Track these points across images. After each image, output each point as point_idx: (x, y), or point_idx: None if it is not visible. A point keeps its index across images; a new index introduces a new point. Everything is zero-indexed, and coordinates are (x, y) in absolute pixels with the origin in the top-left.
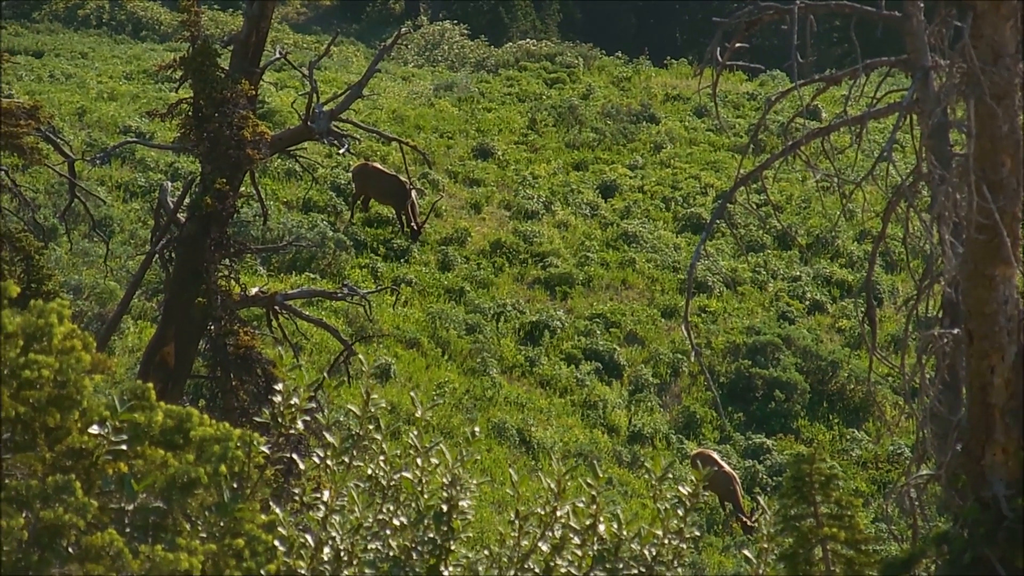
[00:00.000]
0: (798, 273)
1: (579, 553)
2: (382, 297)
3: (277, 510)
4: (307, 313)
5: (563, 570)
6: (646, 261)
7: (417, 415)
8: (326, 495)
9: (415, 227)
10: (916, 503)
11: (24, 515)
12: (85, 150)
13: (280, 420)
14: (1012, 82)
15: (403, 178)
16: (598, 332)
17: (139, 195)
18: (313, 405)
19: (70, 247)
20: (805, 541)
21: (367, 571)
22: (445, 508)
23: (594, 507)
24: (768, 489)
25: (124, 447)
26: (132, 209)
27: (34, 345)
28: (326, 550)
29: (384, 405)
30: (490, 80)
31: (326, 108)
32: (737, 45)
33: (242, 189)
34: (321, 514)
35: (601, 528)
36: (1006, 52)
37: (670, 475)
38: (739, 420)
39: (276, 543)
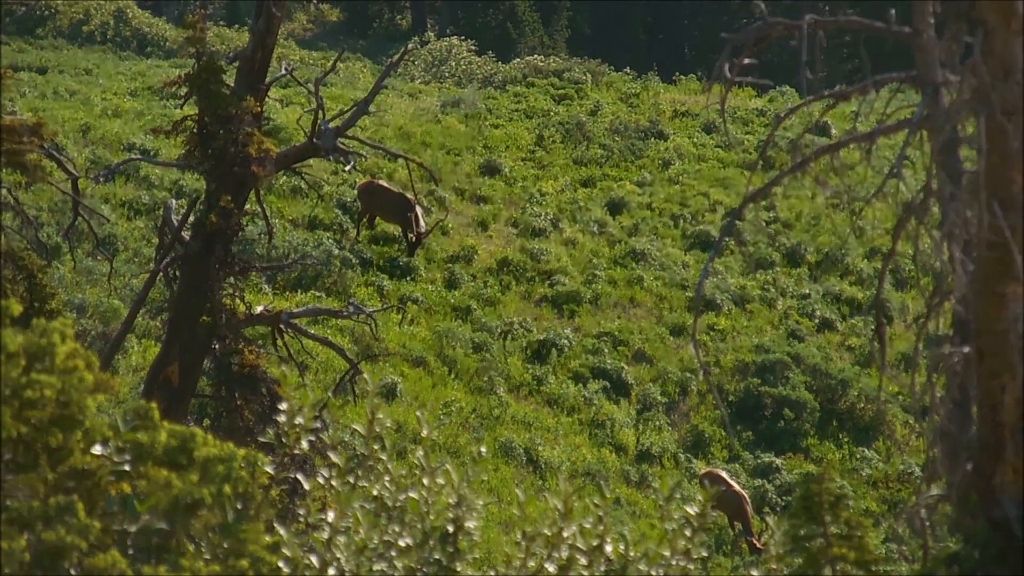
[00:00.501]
0: (807, 291)
1: (586, 574)
2: (388, 315)
3: (282, 531)
4: (313, 331)
5: None
6: (654, 279)
7: (423, 434)
8: (331, 516)
9: (415, 238)
10: (926, 523)
11: (26, 537)
12: (89, 167)
13: (285, 440)
14: (1022, 98)
15: (409, 195)
16: (606, 350)
17: (143, 213)
18: (318, 424)
19: (73, 265)
20: (814, 561)
21: None
22: (451, 529)
23: (601, 527)
24: (777, 509)
25: (127, 467)
26: (136, 227)
27: (36, 364)
28: (331, 571)
29: (390, 424)
30: (497, 96)
31: (332, 125)
32: (746, 61)
33: (247, 207)
34: (326, 535)
35: (608, 548)
36: (1016, 68)
37: (678, 495)
38: (748, 439)
39: (280, 564)
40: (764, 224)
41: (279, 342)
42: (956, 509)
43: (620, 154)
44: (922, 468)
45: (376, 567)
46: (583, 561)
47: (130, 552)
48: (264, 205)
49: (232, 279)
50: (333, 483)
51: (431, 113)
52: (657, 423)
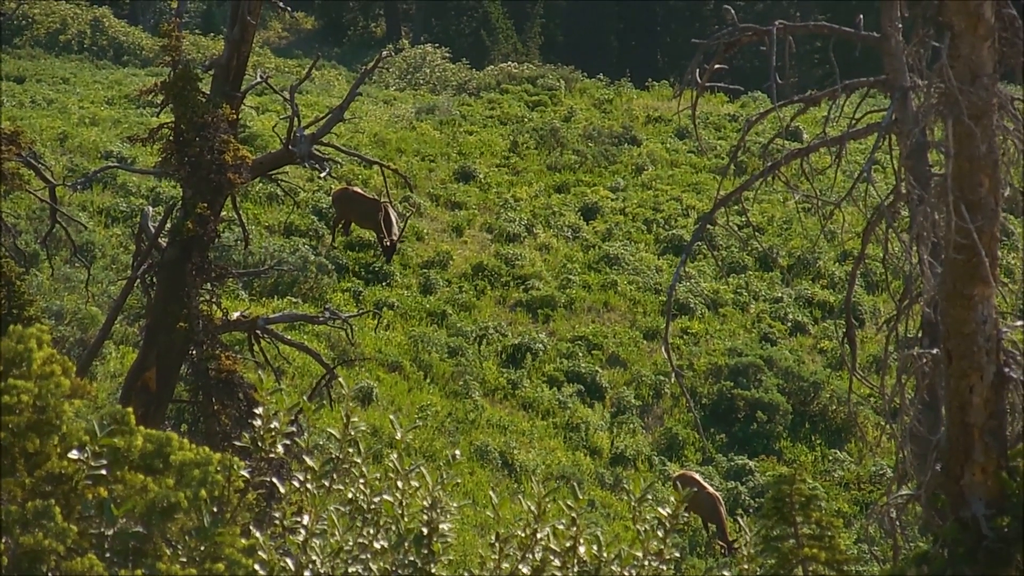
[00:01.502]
0: (779, 294)
1: (559, 575)
2: (364, 321)
3: (257, 534)
4: (289, 337)
5: None
6: (628, 283)
7: (398, 438)
8: (306, 519)
9: (389, 243)
10: (897, 523)
11: (4, 541)
12: (67, 175)
13: (261, 444)
14: (990, 102)
15: (384, 201)
16: (580, 354)
17: (121, 220)
18: (294, 429)
19: (51, 272)
20: (786, 562)
21: None
22: (425, 531)
23: (574, 529)
24: (751, 511)
25: (104, 472)
26: (114, 234)
27: (13, 370)
28: (307, 574)
29: (365, 428)
30: (472, 103)
31: (307, 132)
32: (717, 66)
33: (223, 213)
34: (301, 538)
35: (581, 550)
36: (984, 72)
37: (650, 497)
38: (721, 441)
39: (256, 567)
40: (736, 228)
41: (255, 348)
42: (926, 509)
43: (594, 160)
44: (893, 469)
45: (351, 569)
46: (557, 563)
47: (107, 556)
48: (240, 212)
49: (209, 285)
50: (309, 486)
51: (406, 120)
52: (631, 426)
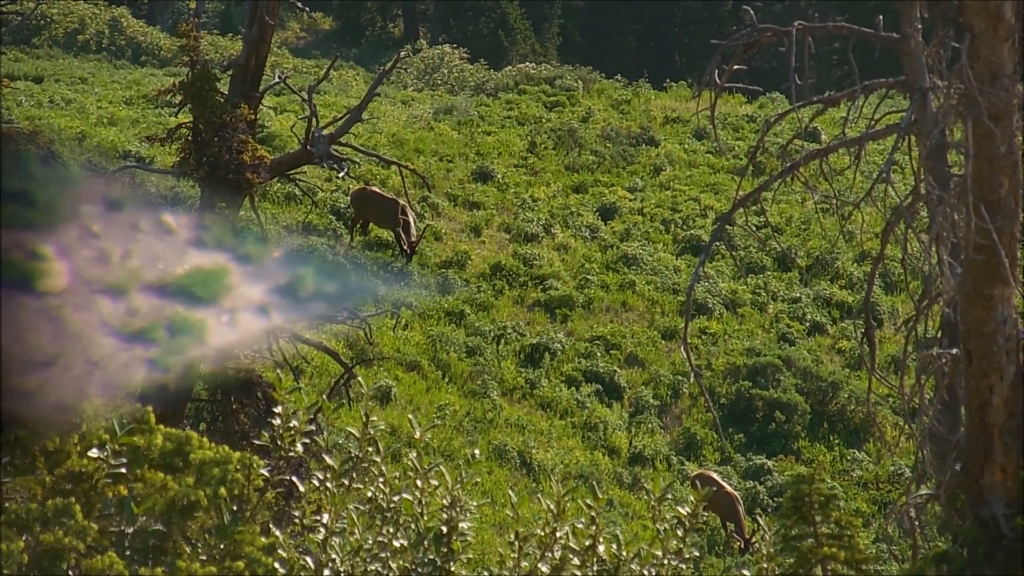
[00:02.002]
0: (798, 294)
1: (579, 574)
2: (382, 320)
3: (277, 532)
4: (307, 336)
5: None
6: (646, 283)
7: (417, 437)
8: (326, 517)
9: (408, 245)
10: (916, 523)
11: (24, 538)
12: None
13: (280, 443)
14: (1010, 103)
15: (402, 202)
16: (598, 354)
17: None
18: (313, 428)
19: None
20: (805, 561)
21: None
22: (445, 530)
23: (593, 528)
24: (769, 510)
25: (124, 470)
26: None
27: None
28: (326, 572)
29: (383, 427)
30: (489, 103)
31: (325, 132)
32: (736, 67)
33: (242, 213)
34: (321, 536)
35: (601, 549)
36: (1003, 73)
37: (669, 496)
38: (740, 441)
39: (276, 565)
40: (754, 228)
41: (274, 347)
42: (945, 509)
43: (611, 160)
44: (912, 469)
45: (371, 568)
46: (576, 561)
47: (127, 553)
48: (259, 211)
49: None
50: (328, 485)
51: (424, 120)
52: (649, 426)
